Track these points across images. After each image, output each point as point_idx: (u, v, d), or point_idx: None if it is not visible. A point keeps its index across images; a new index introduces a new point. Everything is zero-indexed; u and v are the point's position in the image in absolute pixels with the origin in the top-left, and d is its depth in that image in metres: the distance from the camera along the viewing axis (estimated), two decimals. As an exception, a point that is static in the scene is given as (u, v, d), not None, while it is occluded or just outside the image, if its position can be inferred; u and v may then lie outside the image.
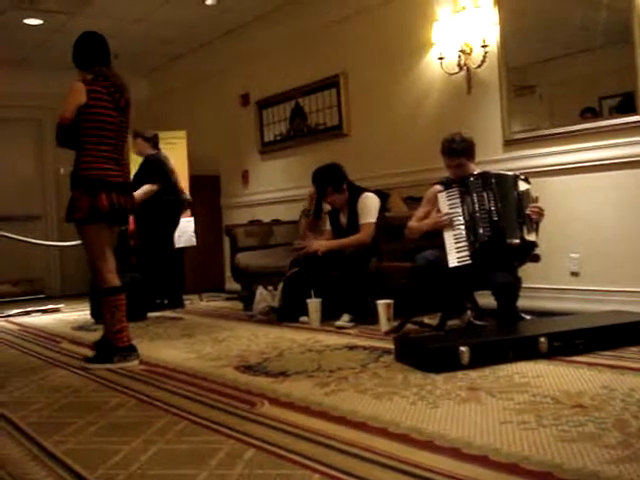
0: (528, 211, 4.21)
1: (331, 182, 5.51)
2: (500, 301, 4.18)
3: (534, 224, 4.24)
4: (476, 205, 4.27)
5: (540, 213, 4.26)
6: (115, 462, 2.32)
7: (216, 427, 2.68)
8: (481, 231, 4.21)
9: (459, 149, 4.43)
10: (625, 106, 4.83)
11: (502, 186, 4.29)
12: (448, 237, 4.30)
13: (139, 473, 2.21)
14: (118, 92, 4.14)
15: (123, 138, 4.25)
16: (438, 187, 4.53)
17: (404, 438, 2.40)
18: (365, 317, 5.05)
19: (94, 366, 4.05)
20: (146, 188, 6.43)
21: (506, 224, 4.20)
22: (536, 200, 4.32)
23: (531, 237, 4.20)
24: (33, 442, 2.62)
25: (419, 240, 4.55)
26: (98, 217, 4.02)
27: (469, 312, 4.54)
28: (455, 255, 4.24)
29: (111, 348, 4.09)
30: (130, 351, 4.11)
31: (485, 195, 4.27)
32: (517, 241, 4.17)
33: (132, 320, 4.61)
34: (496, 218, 4.20)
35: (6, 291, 8.79)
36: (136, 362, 4.08)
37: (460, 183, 4.38)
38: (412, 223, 4.60)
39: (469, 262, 4.19)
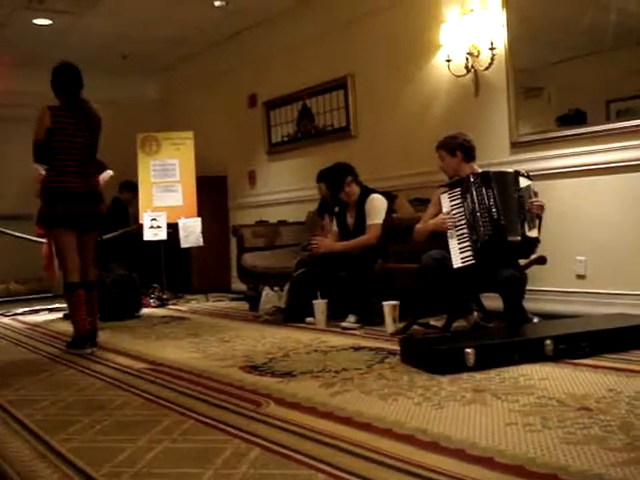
0: (528, 206, 4.23)
1: (350, 173, 5.53)
2: (506, 297, 4.20)
3: (536, 219, 4.26)
4: (476, 204, 4.29)
5: (541, 207, 4.29)
6: (121, 460, 2.33)
7: (222, 426, 2.68)
8: (482, 230, 4.22)
9: (438, 144, 4.70)
10: (575, 119, 5.05)
11: (502, 184, 4.32)
12: (452, 238, 4.32)
13: (145, 471, 2.21)
14: (81, 115, 4.76)
15: (89, 154, 4.84)
16: (442, 188, 4.55)
17: (409, 439, 2.40)
18: (371, 318, 5.05)
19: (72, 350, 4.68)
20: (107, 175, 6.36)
21: (507, 222, 4.21)
22: (536, 195, 4.34)
23: (532, 233, 4.23)
24: (39, 440, 2.63)
25: (426, 242, 4.57)
26: (57, 223, 4.70)
27: (476, 313, 4.53)
28: (459, 256, 4.26)
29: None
30: (85, 340, 4.68)
31: (485, 193, 4.28)
32: (518, 238, 4.20)
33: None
34: (496, 216, 4.22)
35: (14, 290, 8.82)
36: (88, 350, 4.62)
37: (462, 183, 4.40)
38: (418, 225, 4.64)
39: (473, 262, 4.21)
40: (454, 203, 4.39)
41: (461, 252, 4.26)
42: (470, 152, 4.62)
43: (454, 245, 4.30)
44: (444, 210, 4.41)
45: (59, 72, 4.84)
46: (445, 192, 4.47)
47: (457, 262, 4.25)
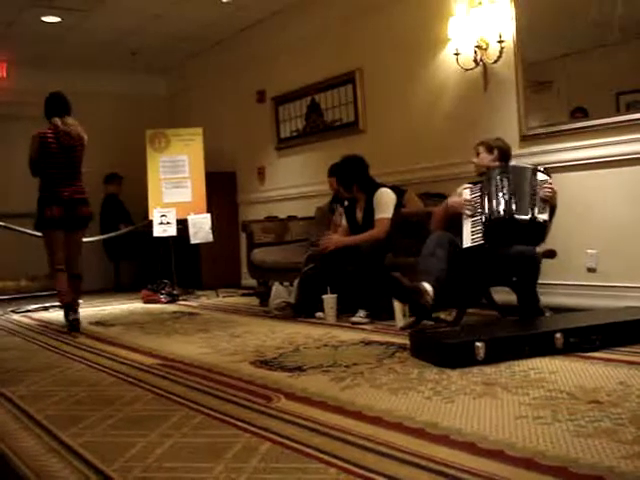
0: (541, 193, 4.27)
1: (339, 175, 5.64)
2: (519, 276, 4.21)
3: (547, 206, 4.26)
4: (492, 190, 4.38)
5: (552, 191, 4.31)
6: (132, 455, 2.33)
7: (232, 421, 2.69)
8: (492, 209, 4.33)
9: (480, 140, 4.77)
10: None
11: (519, 173, 4.42)
12: (466, 224, 4.42)
13: (155, 466, 2.22)
14: (66, 135, 5.66)
15: (73, 166, 5.75)
16: (466, 185, 4.66)
17: (419, 432, 2.40)
18: (381, 313, 5.05)
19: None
20: None
21: (517, 203, 4.28)
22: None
23: (542, 216, 4.23)
24: (51, 435, 2.64)
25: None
26: (45, 225, 5.67)
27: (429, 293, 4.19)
28: (470, 237, 4.37)
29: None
30: (67, 308, 5.67)
31: (500, 181, 4.39)
32: (527, 217, 4.24)
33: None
34: (507, 198, 4.31)
35: (24, 287, 8.85)
36: (72, 317, 5.60)
37: (483, 177, 4.52)
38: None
39: (482, 242, 4.28)
40: (474, 196, 4.50)
41: (472, 235, 4.37)
42: (506, 154, 4.70)
43: (467, 228, 4.40)
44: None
45: (47, 101, 5.78)
46: (467, 188, 4.57)
47: (467, 242, 4.35)
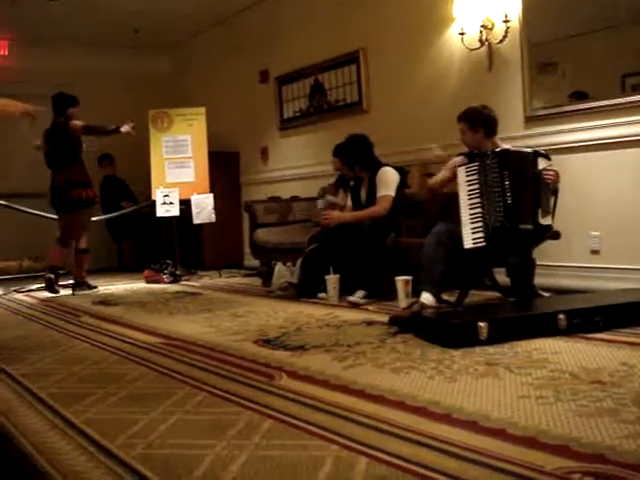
0: (544, 180, 4.17)
1: (342, 153, 5.67)
2: (514, 283, 4.18)
3: (551, 199, 4.20)
4: (492, 186, 4.25)
5: (556, 176, 4.23)
6: (134, 432, 2.34)
7: (235, 399, 2.69)
8: (495, 215, 4.20)
9: (460, 115, 4.56)
10: None
11: (520, 165, 4.27)
12: (465, 216, 4.29)
13: (158, 442, 2.23)
14: (54, 130, 6.68)
15: (59, 156, 6.69)
16: (461, 158, 4.54)
17: (421, 411, 2.40)
18: (381, 293, 5.04)
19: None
20: None
21: (520, 208, 4.18)
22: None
23: (546, 221, 4.17)
24: (54, 412, 2.65)
25: (439, 216, 4.55)
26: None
27: (425, 297, 4.33)
28: (471, 236, 4.24)
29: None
30: (51, 270, 6.77)
31: (501, 176, 4.24)
32: (530, 227, 4.16)
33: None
34: (510, 201, 4.18)
35: (27, 267, 8.85)
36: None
37: (480, 159, 4.35)
38: (431, 181, 4.73)
39: (483, 244, 4.20)
40: (470, 178, 4.36)
41: (473, 232, 4.25)
42: (493, 128, 4.53)
43: (467, 224, 4.28)
44: (460, 184, 4.38)
45: (52, 100, 6.69)
46: (463, 165, 4.44)
47: (468, 243, 4.24)
